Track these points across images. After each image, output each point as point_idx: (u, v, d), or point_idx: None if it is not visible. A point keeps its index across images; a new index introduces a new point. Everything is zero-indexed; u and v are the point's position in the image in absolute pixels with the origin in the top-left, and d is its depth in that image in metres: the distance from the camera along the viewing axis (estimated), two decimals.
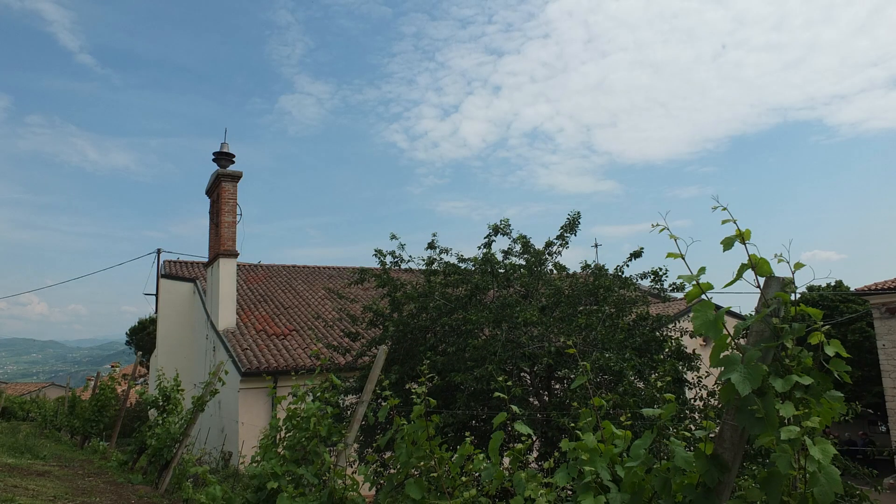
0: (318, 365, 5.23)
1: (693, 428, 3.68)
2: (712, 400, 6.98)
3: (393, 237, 9.47)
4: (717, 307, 2.26)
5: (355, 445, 8.49)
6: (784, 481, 2.06)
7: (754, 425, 2.04)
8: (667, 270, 8.52)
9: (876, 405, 24.21)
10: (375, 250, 9.48)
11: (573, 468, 2.60)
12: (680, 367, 7.70)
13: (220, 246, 17.32)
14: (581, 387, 6.09)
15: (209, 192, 18.66)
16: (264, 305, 19.55)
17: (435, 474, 3.36)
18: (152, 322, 32.81)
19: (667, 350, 7.96)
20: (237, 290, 18.37)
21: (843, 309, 27.59)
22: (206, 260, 20.11)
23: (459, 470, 3.38)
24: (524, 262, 9.14)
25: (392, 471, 3.84)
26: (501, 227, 9.30)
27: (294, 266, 25.34)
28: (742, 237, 2.21)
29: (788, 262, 2.15)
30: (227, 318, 17.20)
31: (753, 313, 2.28)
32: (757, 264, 2.19)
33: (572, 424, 5.49)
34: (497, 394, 3.60)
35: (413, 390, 3.62)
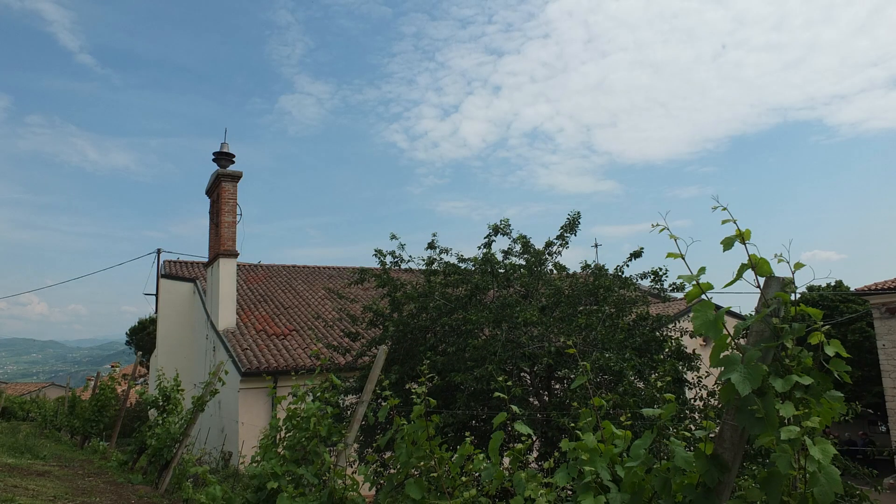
0: (318, 365, 5.23)
1: (693, 428, 3.68)
2: (712, 400, 6.98)
3: (393, 237, 9.48)
4: (717, 307, 2.26)
5: (355, 445, 8.49)
6: (784, 481, 2.06)
7: (754, 425, 2.04)
8: (667, 270, 8.52)
9: (876, 405, 24.21)
10: (375, 250, 9.49)
11: (573, 468, 2.60)
12: (680, 367, 7.70)
13: (220, 246, 17.32)
14: (581, 387, 6.10)
15: (209, 192, 18.66)
16: (264, 305, 19.55)
17: (435, 474, 3.36)
18: (152, 322, 32.82)
19: (667, 350, 7.96)
20: (237, 290, 18.37)
21: (843, 309, 27.59)
22: (206, 260, 20.11)
23: (459, 470, 3.38)
24: (524, 262, 9.14)
25: (392, 471, 3.84)
26: (501, 227, 9.30)
27: (294, 266, 25.34)
28: (742, 237, 2.21)
29: (788, 262, 2.15)
30: (227, 318, 17.20)
31: (753, 313, 2.28)
32: (757, 264, 2.19)
33: (572, 424, 5.49)
34: (497, 394, 3.60)
35: (413, 390, 3.62)
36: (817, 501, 1.95)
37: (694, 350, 8.06)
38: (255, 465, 4.74)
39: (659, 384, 5.74)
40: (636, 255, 8.71)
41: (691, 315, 2.23)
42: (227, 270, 17.27)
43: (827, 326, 2.14)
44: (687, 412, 6.88)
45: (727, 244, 2.24)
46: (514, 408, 3.42)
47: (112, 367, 21.36)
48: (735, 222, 2.23)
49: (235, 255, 17.45)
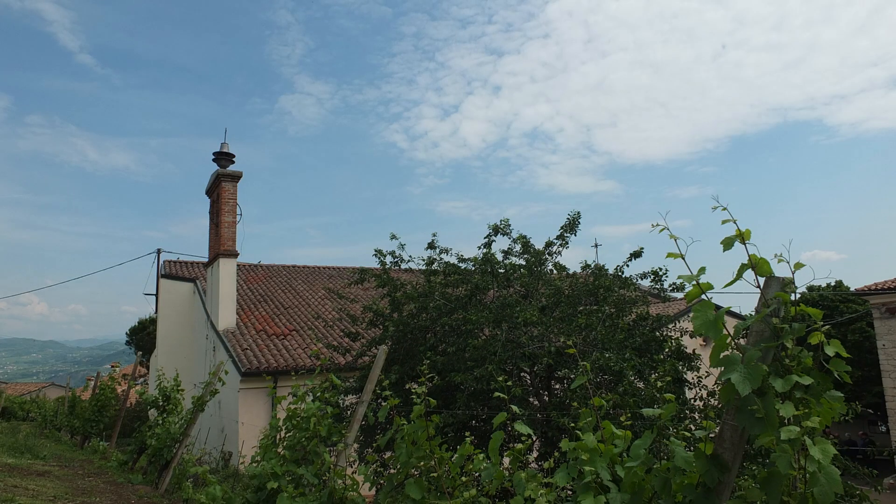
0: (318, 365, 5.23)
1: (693, 428, 3.68)
2: (712, 400, 6.98)
3: (393, 237, 9.47)
4: (717, 307, 2.26)
5: (355, 445, 8.49)
6: (784, 481, 2.06)
7: (754, 425, 2.04)
8: (667, 270, 8.52)
9: (876, 405, 24.21)
10: (375, 250, 9.49)
11: (573, 468, 2.60)
12: (680, 367, 7.70)
13: (220, 246, 17.32)
14: (581, 387, 6.10)
15: (209, 192, 18.66)
16: (264, 305, 19.55)
17: (435, 474, 3.36)
18: (152, 322, 32.82)
19: (667, 350, 7.96)
20: (237, 290, 18.37)
21: (843, 309, 27.59)
22: (206, 260, 20.11)
23: (459, 470, 3.38)
24: (524, 262, 9.14)
25: (392, 471, 3.84)
26: (501, 227, 9.30)
27: (294, 266, 25.34)
28: (742, 237, 2.21)
29: (788, 262, 2.15)
30: (227, 318, 17.20)
31: (753, 313, 2.28)
32: (757, 264, 2.19)
33: (572, 424, 5.49)
34: (497, 394, 3.60)
35: (413, 390, 3.62)
36: (817, 501, 1.95)
37: (694, 350, 8.06)
38: (255, 465, 4.74)
39: (659, 384, 5.74)
40: (636, 255, 8.71)
41: (691, 315, 2.23)
42: (227, 270, 17.27)
43: (827, 326, 2.14)
44: (687, 412, 6.88)
45: (727, 244, 2.24)
46: (514, 408, 3.41)
47: (112, 367, 21.36)
48: (735, 222, 2.23)
49: (235, 255, 17.45)
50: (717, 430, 2.25)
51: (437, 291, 8.83)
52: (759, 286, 2.20)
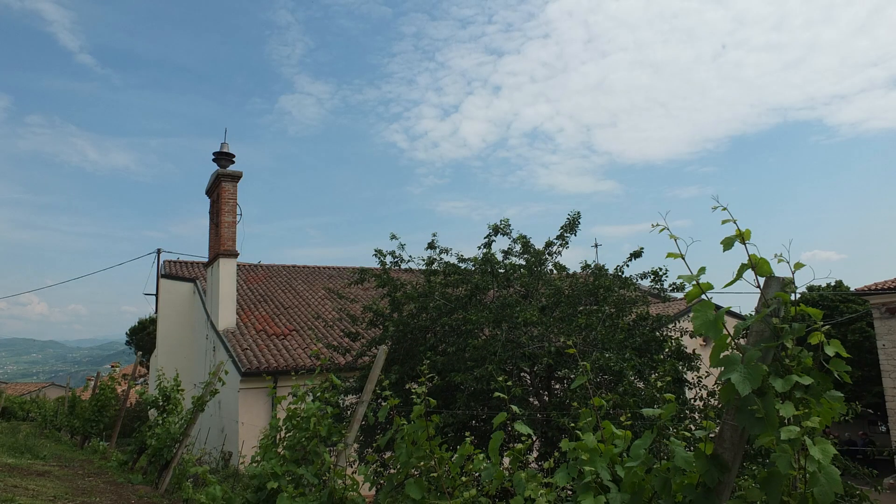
0: (318, 365, 5.23)
1: (693, 428, 3.68)
2: (712, 400, 6.98)
3: (393, 237, 9.47)
4: (717, 307, 2.26)
5: (355, 445, 8.49)
6: (784, 481, 2.06)
7: (754, 425, 2.04)
8: (667, 270, 8.52)
9: (876, 405, 24.21)
10: (375, 250, 9.49)
11: (573, 468, 2.60)
12: (680, 367, 7.70)
13: (220, 246, 17.32)
14: (581, 387, 6.10)
15: (209, 192, 18.67)
16: (264, 305, 19.55)
17: (435, 474, 3.36)
18: (152, 322, 32.82)
19: (667, 350, 7.96)
20: (237, 290, 18.37)
21: (843, 309, 27.59)
22: (206, 260, 20.11)
23: (459, 470, 3.38)
24: (524, 262, 9.14)
25: (392, 471, 3.84)
26: (501, 227, 9.30)
27: (294, 266, 25.34)
28: (742, 237, 2.21)
29: (788, 262, 2.15)
30: (227, 318, 17.20)
31: (753, 313, 2.28)
32: (757, 264, 2.19)
33: (572, 424, 5.49)
34: (497, 394, 3.60)
35: (413, 390, 3.62)
36: (817, 501, 1.95)
37: (694, 350, 8.06)
38: (255, 465, 4.74)
39: (659, 384, 5.73)
40: (636, 255, 8.71)
41: (691, 315, 2.23)
42: (227, 270, 17.27)
43: (827, 326, 2.14)
44: (687, 412, 6.88)
45: (727, 244, 2.24)
46: (514, 408, 3.41)
47: (112, 367, 21.36)
48: (735, 222, 2.23)
49: (235, 255, 17.45)
50: (717, 430, 2.25)
51: (437, 291, 8.83)
52: (759, 286, 2.20)
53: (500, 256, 9.20)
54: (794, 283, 2.17)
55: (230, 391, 14.28)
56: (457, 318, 8.27)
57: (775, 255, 2.17)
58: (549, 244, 9.25)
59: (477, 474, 3.40)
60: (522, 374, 8.18)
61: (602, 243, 27.28)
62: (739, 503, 2.16)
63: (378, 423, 7.79)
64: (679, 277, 2.35)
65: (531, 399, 8.17)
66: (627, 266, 8.78)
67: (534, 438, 7.22)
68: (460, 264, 9.34)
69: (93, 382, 16.45)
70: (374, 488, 4.02)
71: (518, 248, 9.31)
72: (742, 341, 2.24)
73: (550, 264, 9.24)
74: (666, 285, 8.52)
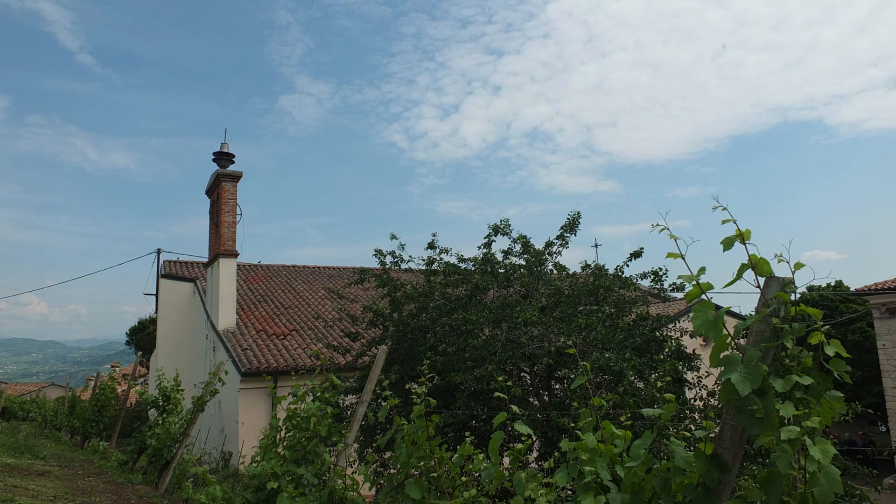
0: (318, 365, 5.23)
1: (693, 428, 3.68)
2: (712, 400, 6.98)
3: (393, 237, 9.47)
4: (717, 307, 2.26)
5: (355, 445, 8.49)
6: (784, 481, 2.06)
7: (754, 425, 2.04)
8: (667, 270, 8.52)
9: (876, 405, 24.21)
10: (375, 250, 9.49)
11: (573, 468, 2.60)
12: (680, 367, 7.69)
13: (220, 246, 17.32)
14: (581, 387, 6.10)
15: (209, 192, 18.67)
16: (264, 305, 19.55)
17: (435, 474, 3.36)
18: (152, 322, 32.82)
19: (667, 350, 7.96)
20: (237, 290, 18.37)
21: (843, 309, 27.59)
22: (206, 260, 20.11)
23: (459, 470, 3.38)
24: (524, 262, 9.14)
25: (392, 471, 3.84)
26: (501, 227, 9.30)
27: (294, 266, 25.34)
28: (742, 237, 2.21)
29: (788, 262, 2.15)
30: (227, 318, 17.20)
31: (753, 313, 2.28)
32: (757, 264, 2.19)
33: (572, 424, 5.49)
34: (497, 394, 3.60)
35: (413, 390, 3.62)
36: (817, 501, 1.95)
37: (694, 350, 8.06)
38: (255, 465, 4.74)
39: (659, 384, 5.73)
40: (636, 255, 8.71)
41: (691, 315, 2.23)
42: (227, 270, 17.27)
43: (827, 326, 2.14)
44: (687, 412, 6.88)
45: (727, 244, 2.24)
46: (514, 408, 3.41)
47: (112, 367, 21.36)
48: (735, 222, 2.23)
49: (235, 255, 17.45)
50: (717, 430, 2.25)
51: (437, 291, 8.83)
52: (759, 286, 2.20)
53: (500, 256, 9.21)
54: (794, 283, 2.17)
55: (230, 391, 14.28)
56: (457, 318, 8.27)
57: (775, 255, 2.17)
58: (549, 244, 9.25)
59: (477, 474, 3.40)
60: (522, 374, 8.18)
61: (602, 243, 27.30)
62: (739, 503, 2.16)
63: (378, 423, 7.79)
64: (679, 277, 2.35)
65: (531, 399, 8.17)
66: (627, 266, 8.79)
67: (534, 438, 7.22)
68: (460, 264, 9.34)
69: (93, 382, 16.45)
70: (374, 488, 4.02)
71: (518, 248, 9.31)
72: (742, 341, 2.24)
73: (550, 264, 9.24)
74: (666, 285, 8.52)
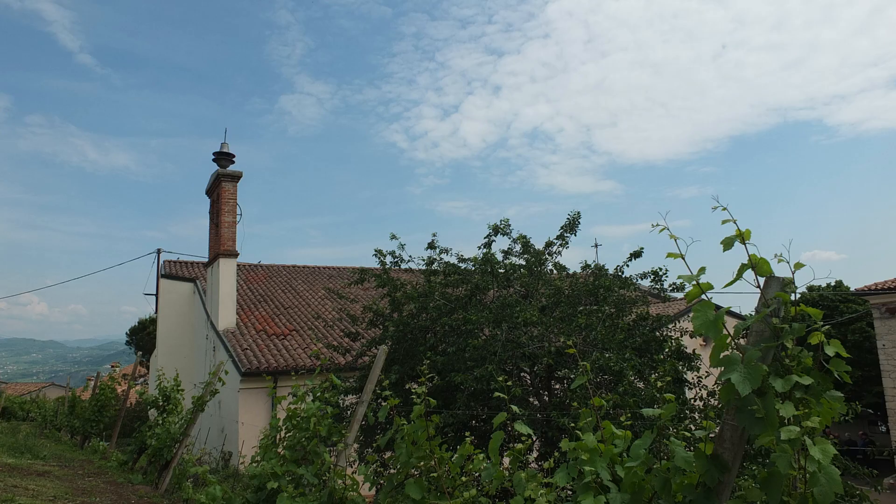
0: (318, 365, 5.23)
1: (693, 428, 3.68)
2: (712, 400, 6.98)
3: (393, 237, 9.47)
4: (717, 307, 2.26)
5: (355, 445, 8.48)
6: (784, 481, 2.06)
7: (754, 425, 2.04)
8: (667, 270, 8.51)
9: (876, 405, 24.22)
10: (375, 250, 9.49)
11: (573, 468, 2.60)
12: (680, 367, 7.69)
13: (220, 246, 17.32)
14: (581, 387, 6.09)
15: (209, 192, 18.67)
16: (264, 305, 19.55)
17: (435, 474, 3.36)
18: (152, 322, 32.82)
19: (667, 350, 7.96)
20: (237, 290, 18.38)
21: (843, 309, 27.60)
22: (206, 260, 20.11)
23: (459, 470, 3.38)
24: (524, 262, 9.14)
25: (392, 471, 3.84)
26: (501, 227, 9.29)
27: (294, 266, 25.34)
28: (742, 237, 2.21)
29: (788, 262, 2.15)
30: (227, 318, 17.20)
31: (753, 313, 2.28)
32: (757, 264, 2.19)
33: (572, 424, 5.49)
34: (497, 394, 3.60)
35: (413, 390, 3.62)
36: (817, 501, 1.95)
37: (694, 350, 8.06)
38: (255, 465, 4.74)
39: (659, 384, 5.73)
40: (636, 255, 8.70)
41: (691, 315, 2.23)
42: (227, 270, 17.28)
43: (827, 326, 2.14)
44: (687, 412, 6.88)
45: (727, 244, 2.24)
46: (514, 408, 3.41)
47: (112, 367, 21.37)
48: (735, 222, 2.23)
49: (235, 255, 17.45)
50: (717, 430, 2.25)
51: (437, 291, 8.83)
52: (759, 286, 2.20)
53: (500, 256, 9.20)
54: (794, 283, 2.17)
55: (230, 391, 14.28)
56: (457, 318, 8.27)
57: (775, 255, 2.17)
58: (549, 244, 9.25)
59: (477, 474, 3.40)
60: (522, 374, 8.18)
61: (602, 243, 27.32)
62: (739, 503, 2.16)
63: (378, 423, 7.79)
64: (679, 277, 2.36)
65: (531, 399, 8.17)
66: (627, 266, 8.78)
67: (534, 438, 7.22)
68: (460, 264, 9.34)
69: (93, 382, 16.45)
70: (374, 488, 4.02)
71: (518, 248, 9.31)
72: (742, 341, 2.24)
73: (550, 264, 9.24)
74: (666, 285, 8.52)
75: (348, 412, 8.57)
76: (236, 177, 17.54)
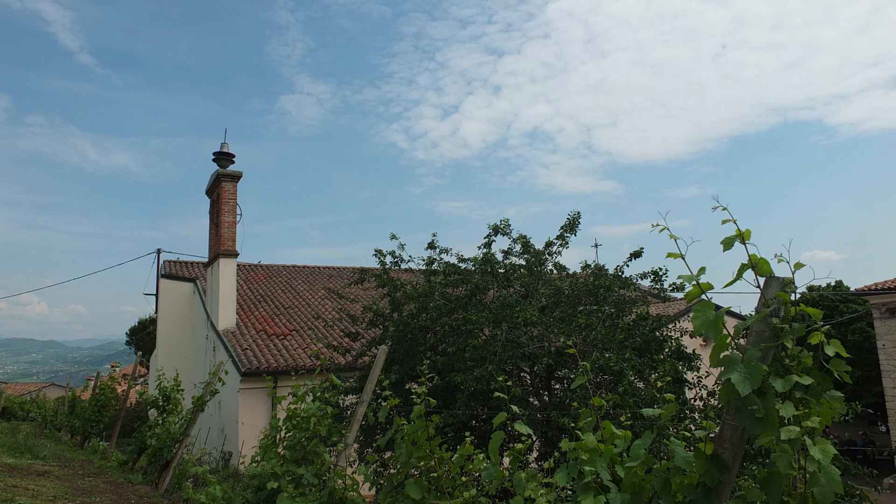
0: (318, 365, 5.23)
1: (693, 428, 3.68)
2: (712, 400, 6.98)
3: (393, 237, 9.47)
4: (717, 307, 2.26)
5: (355, 445, 8.48)
6: (784, 481, 2.06)
7: (754, 425, 2.04)
8: (667, 270, 8.51)
9: (876, 405, 24.22)
10: (375, 250, 9.49)
11: (573, 468, 2.60)
12: (680, 367, 7.69)
13: (220, 246, 17.32)
14: (581, 387, 6.09)
15: (209, 192, 18.67)
16: (264, 305, 19.55)
17: (435, 474, 3.36)
18: (152, 322, 32.82)
19: (667, 350, 7.96)
20: (237, 290, 18.38)
21: (843, 309, 27.60)
22: (206, 260, 20.11)
23: (459, 470, 3.38)
24: (524, 262, 9.14)
25: (392, 471, 3.84)
26: (501, 227, 9.29)
27: (294, 266, 25.34)
28: (742, 237, 2.21)
29: (788, 262, 2.15)
30: (227, 318, 17.20)
31: (753, 313, 2.28)
32: (757, 264, 2.19)
33: (572, 424, 5.49)
34: (497, 394, 3.60)
35: (413, 390, 3.62)
36: (817, 501, 1.95)
37: (694, 350, 8.06)
38: (255, 465, 4.74)
39: (659, 384, 5.73)
40: (636, 255, 8.70)
41: (691, 315, 2.23)
42: (227, 270, 17.28)
43: (827, 326, 2.14)
44: (687, 412, 6.88)
45: (727, 244, 2.24)
46: (514, 408, 3.41)
47: (112, 367, 21.37)
48: (735, 222, 2.23)
49: (235, 255, 17.45)
50: (717, 430, 2.25)
51: (437, 291, 8.83)
52: (759, 286, 2.20)
53: (500, 256, 9.20)
54: (794, 283, 2.17)
55: (230, 391, 14.28)
56: (457, 318, 8.27)
57: (775, 255, 2.17)
58: (549, 244, 9.25)
59: (477, 474, 3.40)
60: (522, 374, 8.18)
61: (602, 243, 27.33)
62: (739, 503, 2.16)
63: (378, 423, 7.79)
64: (679, 277, 2.36)
65: (531, 399, 8.17)
66: (627, 266, 8.78)
67: (534, 438, 7.22)
68: (460, 264, 9.34)
69: (93, 382, 16.44)
70: (374, 488, 4.02)
71: (518, 248, 9.31)
72: (742, 341, 2.24)
73: (550, 264, 9.24)
74: (666, 285, 8.52)
75: (348, 412, 8.57)
76: (236, 177, 17.54)
